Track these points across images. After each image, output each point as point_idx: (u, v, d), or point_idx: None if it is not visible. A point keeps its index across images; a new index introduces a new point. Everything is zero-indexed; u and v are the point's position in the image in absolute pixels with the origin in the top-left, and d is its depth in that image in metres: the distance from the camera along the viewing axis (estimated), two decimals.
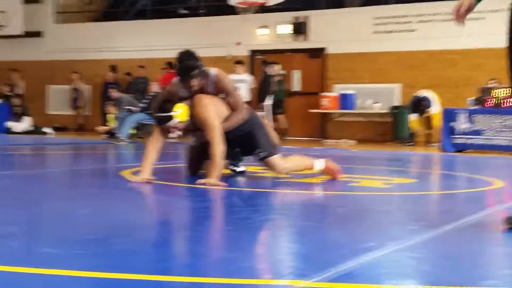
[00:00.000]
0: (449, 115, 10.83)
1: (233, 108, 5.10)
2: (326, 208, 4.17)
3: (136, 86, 15.67)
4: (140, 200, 4.26)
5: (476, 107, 10.89)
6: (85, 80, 17.43)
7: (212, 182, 4.65)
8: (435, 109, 12.20)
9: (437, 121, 11.99)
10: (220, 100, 5.10)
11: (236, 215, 3.79)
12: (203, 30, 16.40)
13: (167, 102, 4.87)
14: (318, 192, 4.94)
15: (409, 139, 12.88)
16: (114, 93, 13.24)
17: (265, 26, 15.81)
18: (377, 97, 14.13)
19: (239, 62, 13.66)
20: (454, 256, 2.60)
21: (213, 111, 4.92)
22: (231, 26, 16.09)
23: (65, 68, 17.84)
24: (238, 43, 16.00)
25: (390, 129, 14.04)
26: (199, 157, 5.31)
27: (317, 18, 15.24)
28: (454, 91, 13.64)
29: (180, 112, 4.81)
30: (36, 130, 15.28)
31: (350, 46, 14.80)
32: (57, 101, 18.42)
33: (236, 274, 2.14)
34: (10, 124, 15.26)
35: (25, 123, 15.36)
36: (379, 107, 14.01)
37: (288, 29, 15.46)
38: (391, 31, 14.41)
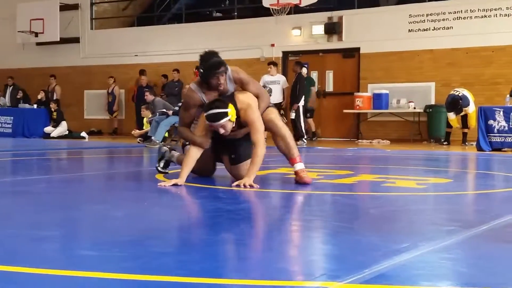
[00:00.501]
0: (485, 114, 10.67)
1: (256, 96, 5.06)
2: (360, 209, 4.15)
3: (170, 90, 15.82)
4: (176, 202, 4.30)
5: None
6: (120, 85, 17.66)
7: (249, 182, 4.68)
8: (472, 108, 12.00)
9: (473, 120, 11.80)
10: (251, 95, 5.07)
11: (270, 217, 3.80)
12: (237, 33, 16.47)
13: (218, 100, 4.80)
14: (352, 193, 4.92)
15: (445, 138, 12.72)
16: (149, 96, 13.35)
17: (299, 27, 15.80)
18: (411, 96, 14.00)
19: (272, 63, 13.69)
20: (490, 257, 2.56)
21: (258, 112, 4.92)
22: (264, 28, 16.12)
23: (101, 73, 18.11)
24: (272, 45, 16.03)
25: (425, 129, 13.89)
26: (212, 160, 5.33)
27: (350, 18, 15.16)
28: (492, 89, 13.44)
29: (231, 110, 4.76)
30: (71, 135, 15.51)
31: (385, 45, 14.69)
32: (93, 105, 18.71)
33: (269, 276, 2.15)
34: (47, 129, 15.53)
35: (61, 128, 15.60)
36: (413, 106, 13.87)
37: (322, 29, 15.42)
38: (426, 29, 14.25)
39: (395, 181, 5.45)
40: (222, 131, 4.76)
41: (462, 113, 12.15)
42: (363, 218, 3.74)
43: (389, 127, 14.64)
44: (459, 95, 11.99)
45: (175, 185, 4.68)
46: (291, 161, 5.09)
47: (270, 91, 11.86)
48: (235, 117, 4.80)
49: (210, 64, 4.92)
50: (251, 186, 4.65)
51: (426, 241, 2.76)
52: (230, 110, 4.73)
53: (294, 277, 2.23)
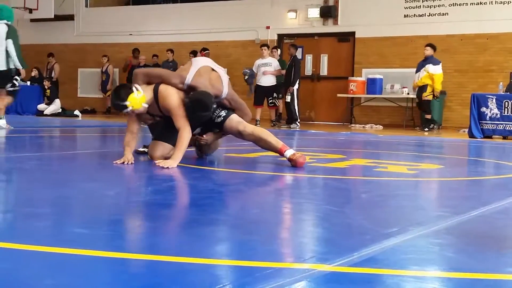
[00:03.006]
0: (478, 101, 10.69)
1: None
2: (351, 193, 4.17)
3: None
4: (168, 183, 4.30)
5: (506, 93, 10.74)
6: (114, 64, 17.58)
7: (171, 166, 4.67)
8: (438, 70, 12.21)
9: (438, 84, 12.21)
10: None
11: (260, 199, 3.82)
12: (232, 14, 16.39)
13: (122, 88, 4.94)
14: (344, 177, 4.94)
15: (431, 124, 12.70)
16: None
17: (294, 10, 15.74)
18: (405, 82, 14.00)
19: (264, 45, 13.63)
20: (479, 242, 2.58)
21: (176, 99, 4.94)
22: (260, 10, 16.05)
23: (96, 51, 18.01)
24: (267, 27, 15.97)
25: (418, 115, 13.92)
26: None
27: (346, 2, 15.11)
28: (485, 76, 13.46)
29: (133, 101, 4.82)
30: (64, 113, 15.47)
31: (380, 30, 14.66)
32: (87, 84, 18.64)
33: (258, 257, 2.17)
34: (41, 106, 15.48)
35: (54, 106, 15.55)
36: (407, 92, 13.88)
37: (317, 12, 15.37)
38: (422, 15, 14.22)
39: (387, 166, 5.47)
40: (131, 114, 4.95)
41: (425, 74, 12.19)
42: (353, 202, 3.77)
43: (383, 112, 14.66)
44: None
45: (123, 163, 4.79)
46: (280, 153, 5.10)
47: (250, 75, 11.90)
48: (141, 104, 4.87)
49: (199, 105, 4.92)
50: (168, 166, 4.65)
51: (415, 226, 2.79)
52: (130, 102, 4.81)
53: (283, 259, 2.25)
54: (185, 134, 4.84)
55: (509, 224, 3.10)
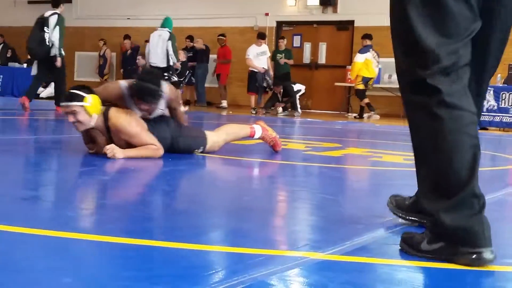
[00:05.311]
0: None
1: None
2: (345, 182, 4.17)
3: None
4: (164, 168, 4.29)
5: (504, 85, 10.74)
6: (112, 48, 17.50)
7: (118, 156, 4.19)
8: (357, 58, 12.80)
9: (353, 72, 12.93)
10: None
11: (254, 187, 3.82)
12: (231, 0, 16.31)
13: (86, 88, 4.32)
14: (339, 166, 4.94)
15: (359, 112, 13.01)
16: (142, 60, 13.26)
17: None
18: None
19: (261, 36, 13.62)
20: None
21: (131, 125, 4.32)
22: None
23: (93, 35, 17.92)
24: (266, 14, 15.90)
25: None
26: None
27: None
28: None
29: (89, 104, 4.22)
30: None
31: (379, 19, 14.56)
32: (84, 67, 18.55)
33: (251, 244, 2.16)
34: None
35: (50, 89, 15.47)
36: None
37: (317, 0, 15.30)
38: None
39: (382, 155, 5.47)
40: (71, 119, 4.22)
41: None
42: (347, 191, 3.77)
43: (380, 102, 14.63)
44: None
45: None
46: (251, 136, 5.02)
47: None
48: (92, 116, 4.23)
49: (141, 89, 4.40)
50: (113, 156, 4.17)
51: None
52: (90, 99, 4.21)
53: (277, 247, 2.25)
54: (152, 148, 4.35)
55: (503, 216, 3.10)
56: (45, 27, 9.57)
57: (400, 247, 2.17)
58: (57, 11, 9.84)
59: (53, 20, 9.65)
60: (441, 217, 1.97)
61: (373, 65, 12.84)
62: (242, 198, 3.28)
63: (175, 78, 11.63)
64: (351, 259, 2.05)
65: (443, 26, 1.94)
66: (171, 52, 11.20)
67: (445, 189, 1.97)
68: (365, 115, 13.32)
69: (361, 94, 13.05)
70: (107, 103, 4.43)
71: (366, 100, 13.10)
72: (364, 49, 12.80)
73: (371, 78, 12.97)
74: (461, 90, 1.96)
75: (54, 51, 9.55)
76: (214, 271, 1.84)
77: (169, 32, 11.43)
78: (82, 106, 4.18)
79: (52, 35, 9.56)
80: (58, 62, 9.68)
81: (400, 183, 4.07)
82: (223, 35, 15.23)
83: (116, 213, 2.70)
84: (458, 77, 1.96)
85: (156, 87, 4.37)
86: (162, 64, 11.19)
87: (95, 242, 2.13)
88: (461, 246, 1.97)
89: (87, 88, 4.30)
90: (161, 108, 4.61)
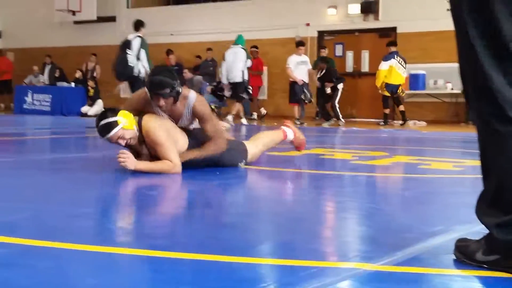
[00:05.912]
0: None
1: (209, 136, 4.53)
2: (394, 191, 4.13)
3: (204, 69, 15.85)
4: (208, 182, 4.32)
5: None
6: (156, 64, 17.72)
7: (130, 167, 4.20)
8: (382, 66, 12.72)
9: (378, 80, 12.75)
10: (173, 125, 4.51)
11: (302, 198, 3.81)
12: (272, 12, 16.39)
13: (109, 111, 4.33)
14: (387, 175, 4.89)
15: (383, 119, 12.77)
16: (188, 74, 13.39)
17: (334, 6, 15.65)
18: (449, 77, 13.77)
19: (300, 43, 13.59)
20: None
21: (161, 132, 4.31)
22: (299, 7, 16.01)
23: None
24: (307, 24, 15.92)
25: (463, 110, 13.69)
26: None
27: None
28: None
29: (124, 119, 4.24)
30: None
31: (422, 25, 14.45)
32: None
33: (302, 256, 2.16)
34: (83, 109, 15.64)
35: (97, 106, 15.76)
36: (451, 87, 13.65)
37: (358, 8, 15.25)
38: None
39: (430, 163, 5.40)
40: (123, 143, 4.27)
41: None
42: (397, 200, 3.73)
43: (426, 108, 14.46)
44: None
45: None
46: (283, 139, 5.29)
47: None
48: (133, 127, 4.27)
49: (152, 82, 4.34)
50: (124, 166, 4.20)
51: (460, 225, 2.74)
52: (121, 118, 4.22)
53: (328, 258, 2.24)
54: (168, 164, 4.29)
55: None
56: (127, 49, 10.05)
57: (454, 256, 2.14)
58: (139, 34, 10.40)
59: (136, 42, 10.18)
60: (495, 232, 1.95)
61: (399, 71, 12.69)
62: (291, 210, 3.28)
63: (227, 94, 12.45)
64: (403, 270, 2.02)
65: None
66: (245, 68, 12.13)
67: (503, 205, 1.95)
68: (411, 122, 13.18)
69: (385, 101, 13.04)
70: (139, 112, 4.43)
71: (402, 108, 13.00)
72: (388, 56, 12.76)
73: (399, 84, 12.79)
74: None
75: (136, 71, 10.07)
76: (267, 284, 1.84)
77: (243, 49, 12.19)
78: (121, 128, 4.22)
79: (140, 57, 10.14)
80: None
81: (450, 191, 4.01)
82: (255, 47, 15.23)
83: (166, 227, 2.74)
84: None
85: (166, 78, 4.27)
86: (239, 79, 12.02)
87: (146, 257, 2.15)
88: None
89: (111, 110, 4.31)
90: (187, 118, 4.54)
